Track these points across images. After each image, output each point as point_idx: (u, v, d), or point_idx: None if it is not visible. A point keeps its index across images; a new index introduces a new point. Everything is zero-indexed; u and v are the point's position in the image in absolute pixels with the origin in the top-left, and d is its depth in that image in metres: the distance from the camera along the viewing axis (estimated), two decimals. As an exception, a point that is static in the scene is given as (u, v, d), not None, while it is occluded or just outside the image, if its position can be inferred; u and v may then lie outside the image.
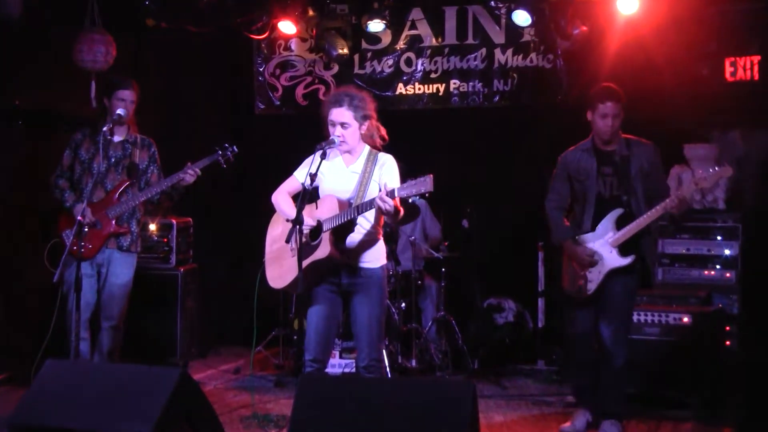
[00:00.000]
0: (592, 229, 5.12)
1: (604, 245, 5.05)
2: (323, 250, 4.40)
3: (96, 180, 5.56)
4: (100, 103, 5.79)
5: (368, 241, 4.55)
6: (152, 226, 7.01)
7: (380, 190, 4.23)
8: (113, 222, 5.62)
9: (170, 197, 5.78)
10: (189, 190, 5.80)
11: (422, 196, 4.11)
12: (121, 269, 5.69)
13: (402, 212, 4.28)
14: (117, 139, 5.73)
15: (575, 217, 5.25)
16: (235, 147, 5.78)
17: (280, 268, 4.62)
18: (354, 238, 4.49)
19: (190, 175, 5.58)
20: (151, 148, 5.86)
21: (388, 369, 6.05)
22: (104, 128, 5.35)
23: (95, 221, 5.54)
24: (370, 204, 4.28)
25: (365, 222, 4.51)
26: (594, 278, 5.07)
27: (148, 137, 5.87)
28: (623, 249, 5.03)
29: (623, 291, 5.10)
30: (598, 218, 5.11)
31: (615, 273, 5.06)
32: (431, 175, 4.04)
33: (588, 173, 5.11)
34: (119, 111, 5.53)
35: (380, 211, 4.27)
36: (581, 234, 5.13)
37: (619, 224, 5.06)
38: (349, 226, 4.43)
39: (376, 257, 4.58)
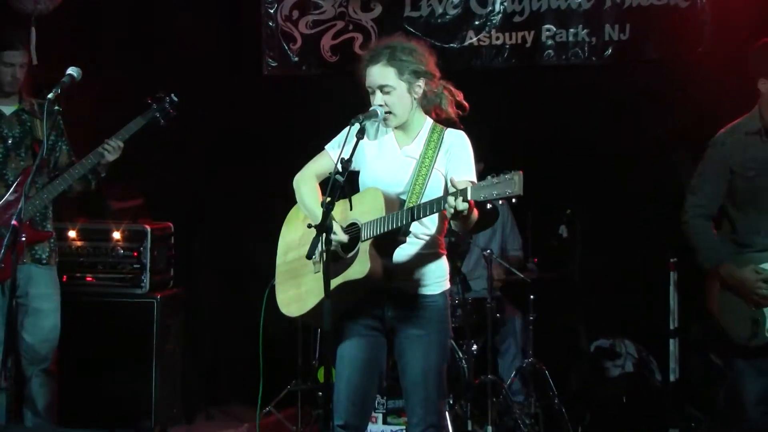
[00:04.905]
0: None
1: None
2: (360, 267, 4.37)
3: None
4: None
5: (426, 257, 4.54)
6: (116, 235, 6.99)
7: (446, 185, 4.18)
8: (29, 226, 5.67)
9: (87, 183, 5.93)
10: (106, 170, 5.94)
11: (506, 200, 4.05)
12: (46, 289, 5.77)
13: (476, 214, 4.22)
14: (8, 110, 5.83)
15: (731, 229, 5.23)
16: (173, 95, 5.95)
17: (298, 289, 4.64)
18: (405, 251, 4.47)
19: (110, 151, 5.73)
20: (53, 114, 5.73)
21: (452, 440, 6.06)
22: None
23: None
24: (433, 207, 4.21)
25: (422, 229, 4.50)
26: None
27: (43, 99, 5.78)
28: None
29: None
30: None
31: None
32: (520, 173, 3.95)
33: (763, 166, 5.07)
34: None
35: (449, 216, 4.21)
36: (751, 252, 5.08)
37: None
38: (399, 234, 4.38)
39: (436, 280, 4.58)
